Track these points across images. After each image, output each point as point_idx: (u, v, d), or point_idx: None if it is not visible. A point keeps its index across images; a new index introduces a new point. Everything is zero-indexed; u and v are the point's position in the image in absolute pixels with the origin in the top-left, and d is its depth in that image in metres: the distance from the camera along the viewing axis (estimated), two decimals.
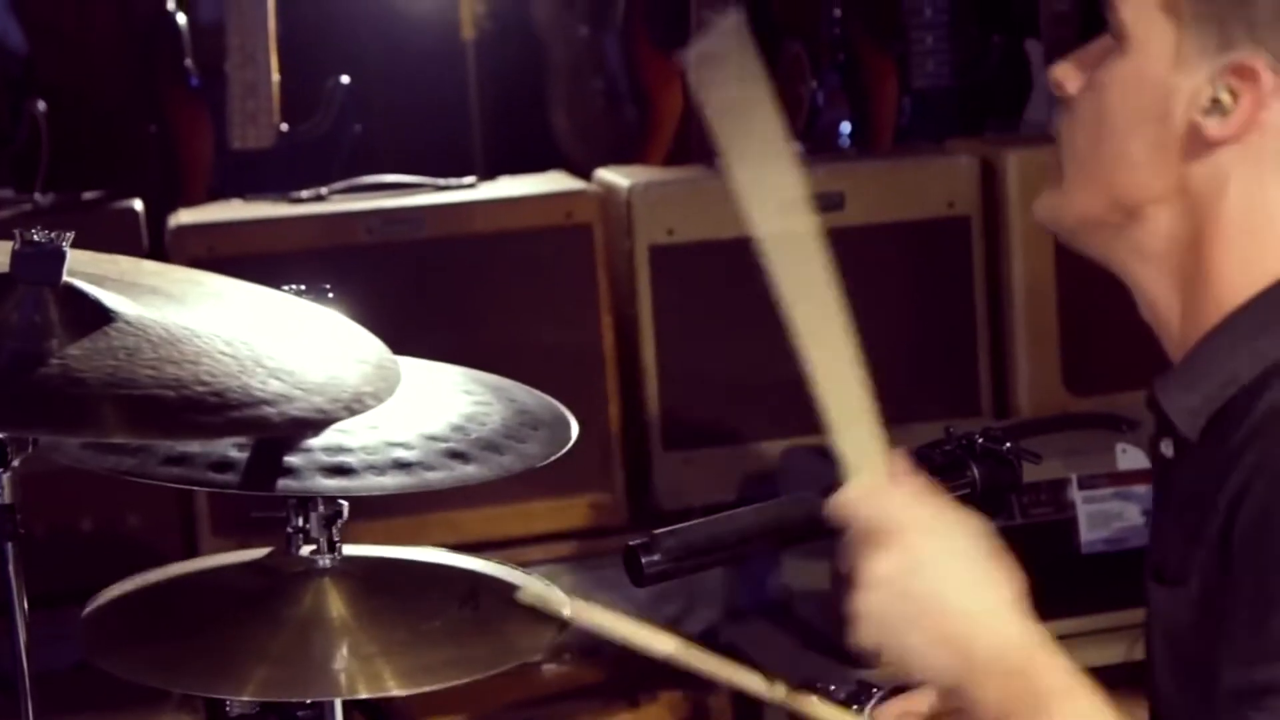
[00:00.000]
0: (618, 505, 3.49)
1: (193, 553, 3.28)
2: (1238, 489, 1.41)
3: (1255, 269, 1.48)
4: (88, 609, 2.08)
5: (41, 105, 3.86)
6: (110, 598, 2.10)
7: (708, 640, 3.44)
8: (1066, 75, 1.56)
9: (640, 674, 3.35)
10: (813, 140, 4.36)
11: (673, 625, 3.52)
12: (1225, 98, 1.46)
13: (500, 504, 3.37)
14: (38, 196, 3.55)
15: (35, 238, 1.88)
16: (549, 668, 3.39)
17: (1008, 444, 2.17)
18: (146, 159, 4.04)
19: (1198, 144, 1.48)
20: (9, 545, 1.97)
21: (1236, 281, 1.49)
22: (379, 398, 1.98)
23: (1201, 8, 1.47)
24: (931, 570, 1.42)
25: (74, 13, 4.62)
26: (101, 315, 1.87)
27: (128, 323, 1.87)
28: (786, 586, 3.48)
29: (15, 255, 1.87)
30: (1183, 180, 1.49)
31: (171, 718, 3.08)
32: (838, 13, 4.72)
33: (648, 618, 3.45)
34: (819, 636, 3.26)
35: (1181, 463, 1.54)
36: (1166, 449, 1.56)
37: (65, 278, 1.87)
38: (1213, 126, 1.47)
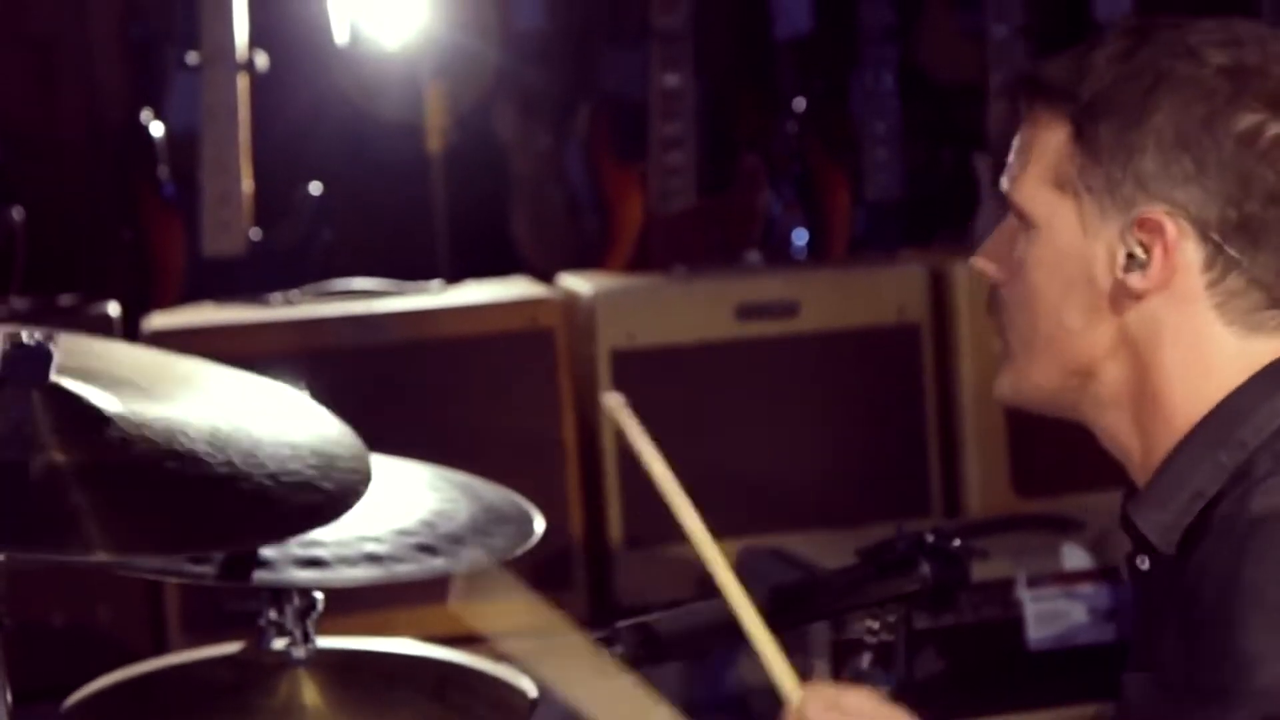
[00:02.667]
0: (579, 602, 3.57)
1: (162, 649, 3.34)
2: (1196, 576, 1.49)
3: (1201, 391, 1.55)
4: (67, 704, 2.14)
5: (19, 213, 3.94)
6: (89, 693, 2.15)
7: None
8: (986, 266, 1.63)
9: None
10: (769, 249, 4.47)
11: None
12: (1139, 251, 1.52)
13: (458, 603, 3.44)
14: (14, 300, 3.63)
15: (24, 339, 1.92)
16: None
17: (957, 542, 2.26)
18: (120, 264, 4.11)
19: (1126, 298, 1.54)
20: None
21: (1186, 405, 1.55)
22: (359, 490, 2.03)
23: (1091, 179, 1.53)
24: None
25: (44, 122, 4.72)
26: (89, 415, 1.90)
27: (114, 423, 1.89)
28: (743, 682, 3.54)
29: (4, 357, 1.90)
30: (1121, 332, 1.55)
31: None
32: (794, 127, 4.86)
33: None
34: None
35: (1160, 575, 1.59)
36: (1142, 564, 1.61)
37: (52, 378, 1.90)
38: (1135, 280, 1.53)
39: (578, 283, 3.83)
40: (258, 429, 2.02)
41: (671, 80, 4.25)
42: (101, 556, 1.87)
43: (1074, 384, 1.59)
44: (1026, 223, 1.58)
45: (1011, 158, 1.61)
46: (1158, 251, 1.51)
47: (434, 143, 4.36)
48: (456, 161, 4.46)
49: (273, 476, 1.91)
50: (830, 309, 3.76)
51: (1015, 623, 3.30)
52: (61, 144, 4.73)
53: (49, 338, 1.95)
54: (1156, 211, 1.51)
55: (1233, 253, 1.51)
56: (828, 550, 3.35)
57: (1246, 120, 1.49)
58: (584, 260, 4.27)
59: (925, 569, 2.26)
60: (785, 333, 3.77)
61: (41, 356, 1.91)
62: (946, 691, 3.30)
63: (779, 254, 4.50)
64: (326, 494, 1.98)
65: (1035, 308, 1.58)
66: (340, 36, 4.40)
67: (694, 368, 3.74)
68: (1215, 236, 1.51)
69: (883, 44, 4.69)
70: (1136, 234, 1.52)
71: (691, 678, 3.65)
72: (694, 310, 3.78)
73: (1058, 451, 3.64)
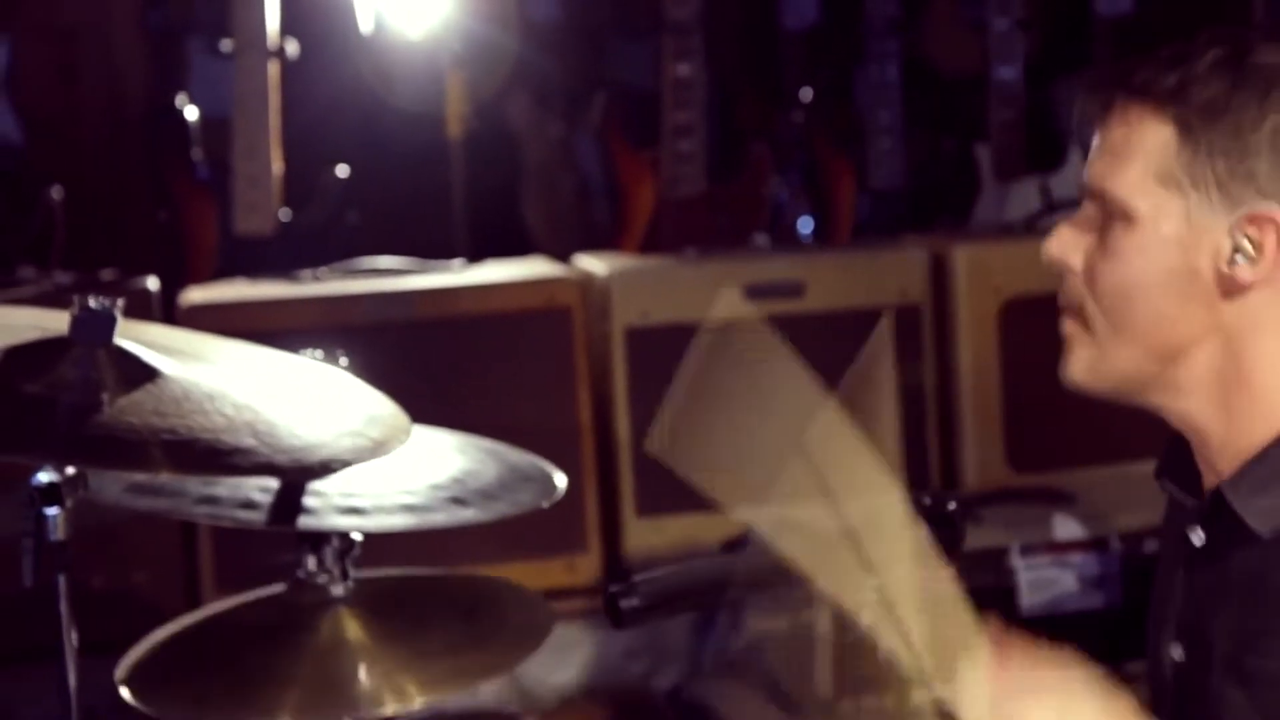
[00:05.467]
0: (592, 566, 3.69)
1: (197, 608, 3.46)
2: None
3: None
4: (125, 659, 2.26)
5: (58, 192, 4.06)
6: (145, 648, 2.29)
7: (674, 697, 3.64)
8: (1066, 252, 1.69)
9: None
10: (775, 233, 4.58)
11: (641, 681, 3.72)
12: (1247, 246, 1.60)
13: (484, 565, 3.56)
14: (57, 275, 3.75)
15: (91, 304, 2.05)
16: (528, 716, 3.57)
17: (953, 504, 2.39)
18: (154, 243, 4.23)
19: (1230, 289, 1.62)
20: (61, 579, 2.13)
21: (1274, 393, 1.62)
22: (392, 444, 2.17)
23: (1200, 174, 1.61)
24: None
25: (67, 109, 4.83)
26: (146, 371, 2.05)
27: (168, 379, 2.05)
28: (750, 642, 3.68)
29: (73, 320, 2.04)
30: (1218, 323, 1.63)
31: None
32: (800, 116, 4.97)
33: (618, 675, 3.69)
34: (782, 691, 3.44)
35: (1241, 557, 1.65)
36: (1196, 539, 1.69)
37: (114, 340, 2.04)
38: (1243, 273, 1.60)
39: (593, 263, 3.94)
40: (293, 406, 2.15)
41: (683, 70, 4.35)
42: (166, 471, 2.05)
43: (1155, 369, 1.65)
44: (1125, 214, 1.64)
45: (1103, 153, 1.66)
46: (1269, 245, 1.60)
47: (454, 129, 4.47)
48: (475, 148, 4.57)
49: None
50: (835, 290, 3.84)
51: (1008, 590, 3.44)
52: (85, 130, 4.84)
53: (113, 303, 2.08)
54: (1270, 207, 1.59)
55: None
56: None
57: None
58: (593, 245, 4.35)
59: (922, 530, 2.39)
60: (791, 312, 3.84)
61: (106, 320, 2.04)
62: None
63: (785, 238, 4.62)
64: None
65: (1131, 293, 1.64)
66: (365, 25, 4.51)
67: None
68: None
69: (887, 37, 4.79)
70: (1247, 229, 1.60)
71: (700, 639, 3.78)
72: (704, 290, 3.83)
73: (1051, 429, 3.77)
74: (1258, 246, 1.60)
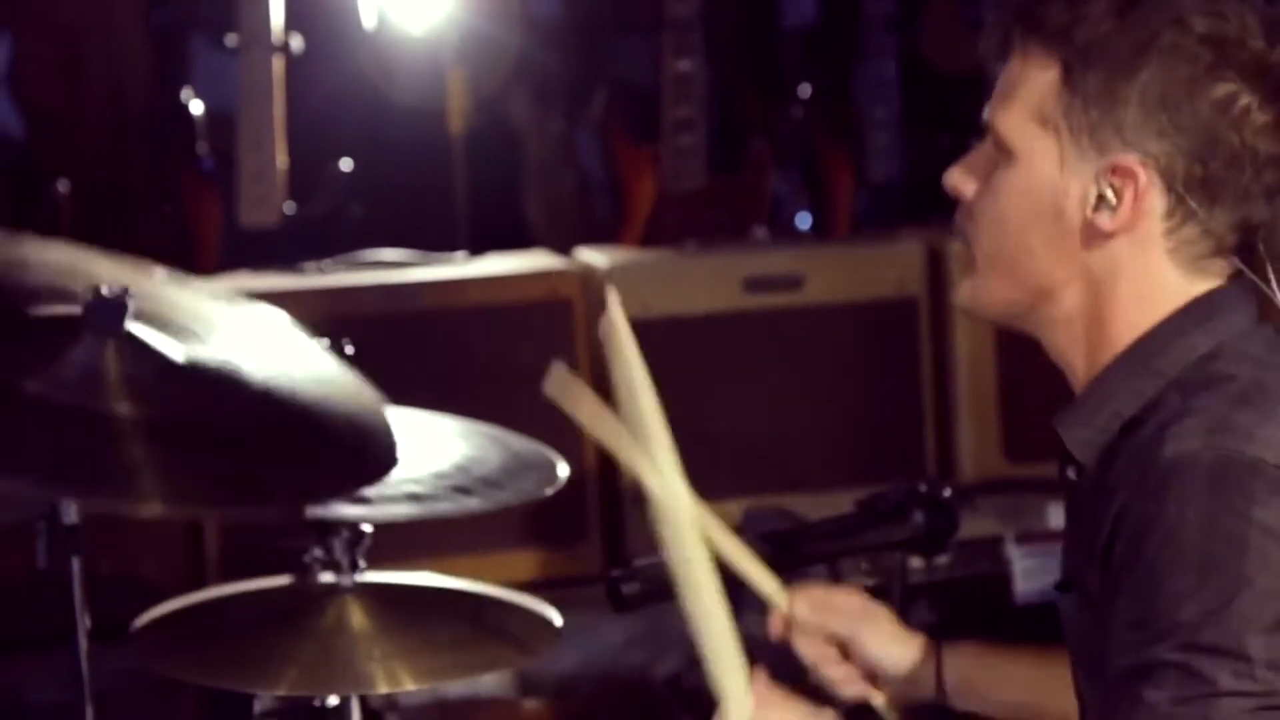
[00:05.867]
0: (593, 552, 3.74)
1: None
2: (1116, 513, 1.58)
3: (1139, 322, 1.66)
4: (139, 622, 2.32)
5: (64, 185, 4.11)
6: (155, 616, 2.34)
7: (673, 684, 3.69)
8: (961, 182, 1.70)
9: (613, 709, 3.58)
10: (775, 228, 4.63)
11: (641, 669, 3.76)
12: (1109, 194, 1.61)
13: (487, 553, 3.62)
14: None
15: (103, 290, 2.07)
16: (528, 703, 3.62)
17: (948, 492, 2.43)
18: (158, 236, 4.27)
19: (1093, 236, 1.63)
20: (75, 561, 2.18)
21: (1125, 333, 1.66)
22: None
23: (1074, 119, 1.62)
24: None
25: (71, 105, 4.86)
26: (157, 361, 2.05)
27: (179, 370, 2.05)
28: (746, 634, 3.73)
29: (86, 305, 2.05)
30: (1083, 266, 1.65)
31: None
32: (799, 112, 5.02)
33: (618, 663, 3.73)
34: (779, 678, 3.49)
35: (1081, 487, 1.71)
36: (1071, 474, 1.73)
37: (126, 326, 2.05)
38: (1104, 221, 1.62)
39: (594, 256, 3.99)
40: (305, 391, 2.19)
41: (683, 66, 4.39)
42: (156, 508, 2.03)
43: (1028, 302, 1.69)
44: (1006, 152, 1.66)
45: (999, 88, 1.68)
46: (1128, 196, 1.61)
47: (455, 125, 4.51)
48: (476, 143, 4.61)
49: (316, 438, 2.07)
50: (833, 283, 3.91)
51: (1003, 578, 3.46)
52: (88, 126, 4.87)
53: (126, 290, 2.12)
54: (1131, 159, 1.60)
55: (1192, 205, 1.61)
56: (827, 510, 3.44)
57: (1223, 89, 1.59)
58: (593, 241, 4.36)
59: (918, 517, 2.40)
60: (790, 305, 3.91)
61: (118, 306, 2.07)
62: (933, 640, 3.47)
63: (784, 232, 4.67)
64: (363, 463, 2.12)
65: (1004, 229, 1.66)
66: (368, 21, 4.55)
67: (704, 337, 3.88)
68: (1179, 188, 1.60)
69: (885, 34, 4.84)
70: (1110, 178, 1.61)
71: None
72: (704, 283, 3.92)
73: (1047, 419, 3.81)
74: (1119, 196, 1.62)
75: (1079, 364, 1.70)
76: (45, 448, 1.91)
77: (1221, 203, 1.63)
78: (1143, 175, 1.62)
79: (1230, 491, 1.53)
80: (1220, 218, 1.63)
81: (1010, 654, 2.09)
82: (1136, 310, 1.67)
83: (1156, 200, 1.62)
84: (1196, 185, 1.62)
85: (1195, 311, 1.65)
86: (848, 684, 1.99)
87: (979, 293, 1.72)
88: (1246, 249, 1.68)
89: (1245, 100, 1.60)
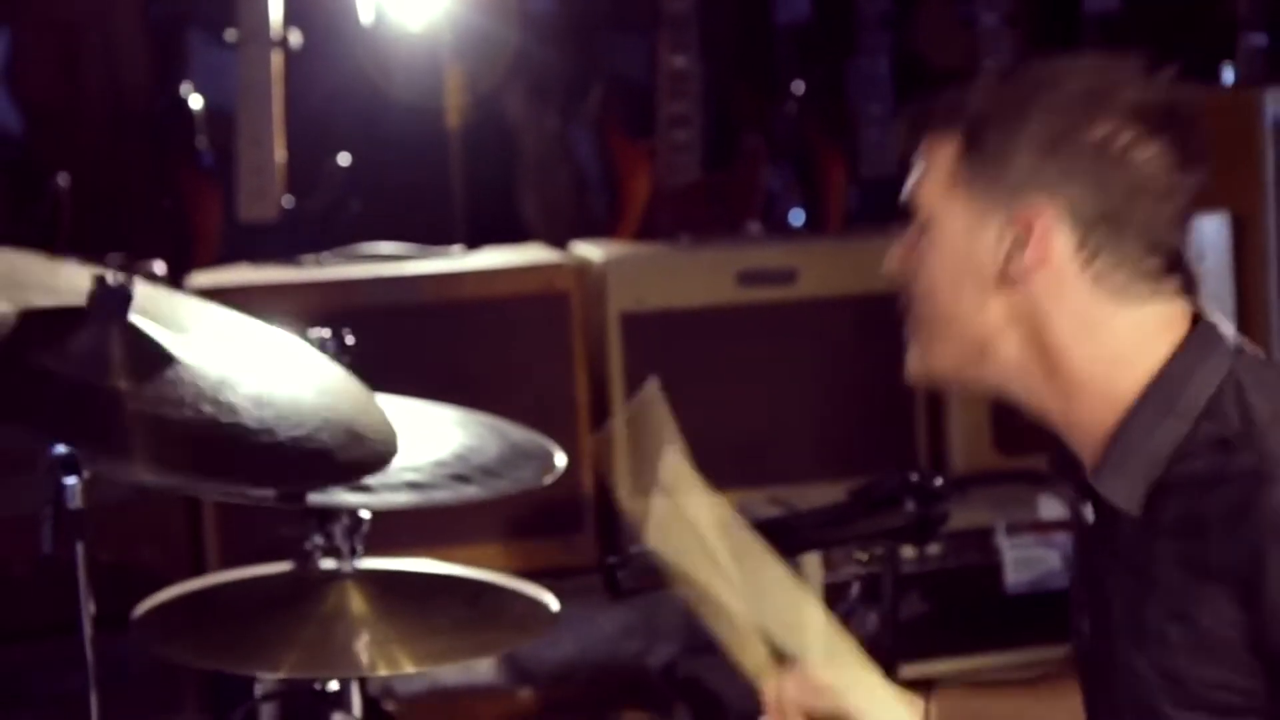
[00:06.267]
0: (589, 545, 3.77)
1: None
2: (1192, 554, 1.67)
3: (1114, 364, 1.74)
4: (142, 607, 2.36)
5: (64, 179, 4.13)
6: (157, 602, 2.38)
7: (668, 673, 3.73)
8: (896, 264, 1.85)
9: (607, 696, 3.62)
10: (769, 222, 4.66)
11: (636, 658, 3.80)
12: (1017, 243, 1.72)
13: (484, 544, 3.65)
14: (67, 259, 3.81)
15: (109, 280, 2.11)
16: (524, 692, 3.66)
17: (939, 480, 2.47)
18: (159, 230, 4.29)
19: (1010, 281, 1.74)
20: (79, 546, 2.19)
21: (1096, 371, 1.74)
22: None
23: (977, 179, 1.75)
24: None
25: (69, 101, 4.88)
26: (157, 353, 2.09)
27: (177, 364, 2.10)
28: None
29: (91, 295, 2.10)
30: (1010, 312, 1.74)
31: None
32: (793, 108, 5.05)
33: (614, 653, 3.76)
34: None
35: (1123, 532, 1.76)
36: (1089, 516, 1.80)
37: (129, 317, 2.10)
38: (1016, 265, 1.73)
39: (590, 250, 4.02)
40: (297, 392, 2.21)
41: (679, 62, 4.42)
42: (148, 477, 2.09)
43: (974, 359, 1.79)
44: (926, 222, 1.79)
45: (914, 171, 1.81)
46: (1033, 239, 1.72)
47: (452, 120, 4.54)
48: (473, 139, 4.63)
49: (302, 438, 2.08)
50: (826, 277, 3.93)
51: (994, 568, 3.50)
52: (86, 122, 4.89)
53: (130, 280, 2.16)
54: (1031, 206, 1.73)
55: (1099, 239, 1.72)
56: (820, 501, 3.55)
57: (1100, 130, 1.71)
58: (588, 237, 4.38)
59: (909, 505, 2.44)
60: (784, 298, 3.93)
61: (122, 296, 2.11)
62: (929, 631, 3.51)
63: (778, 227, 4.70)
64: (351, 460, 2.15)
65: (933, 292, 1.79)
66: (366, 17, 4.58)
67: (698, 330, 3.91)
68: (1083, 225, 1.72)
69: (878, 30, 4.87)
70: (1014, 226, 1.73)
71: (694, 619, 3.86)
72: (698, 276, 3.94)
73: None
74: (1025, 240, 1.73)
75: (1055, 409, 1.79)
76: (55, 405, 1.98)
77: (1127, 234, 1.73)
78: (1044, 217, 1.73)
79: None
80: (1130, 247, 1.73)
81: (996, 694, 2.13)
82: (1080, 342, 1.75)
83: (1064, 238, 1.73)
84: (1099, 220, 1.73)
85: (1194, 348, 1.75)
86: None
87: (926, 358, 1.83)
88: (1178, 269, 1.76)
89: (1125, 138, 1.72)
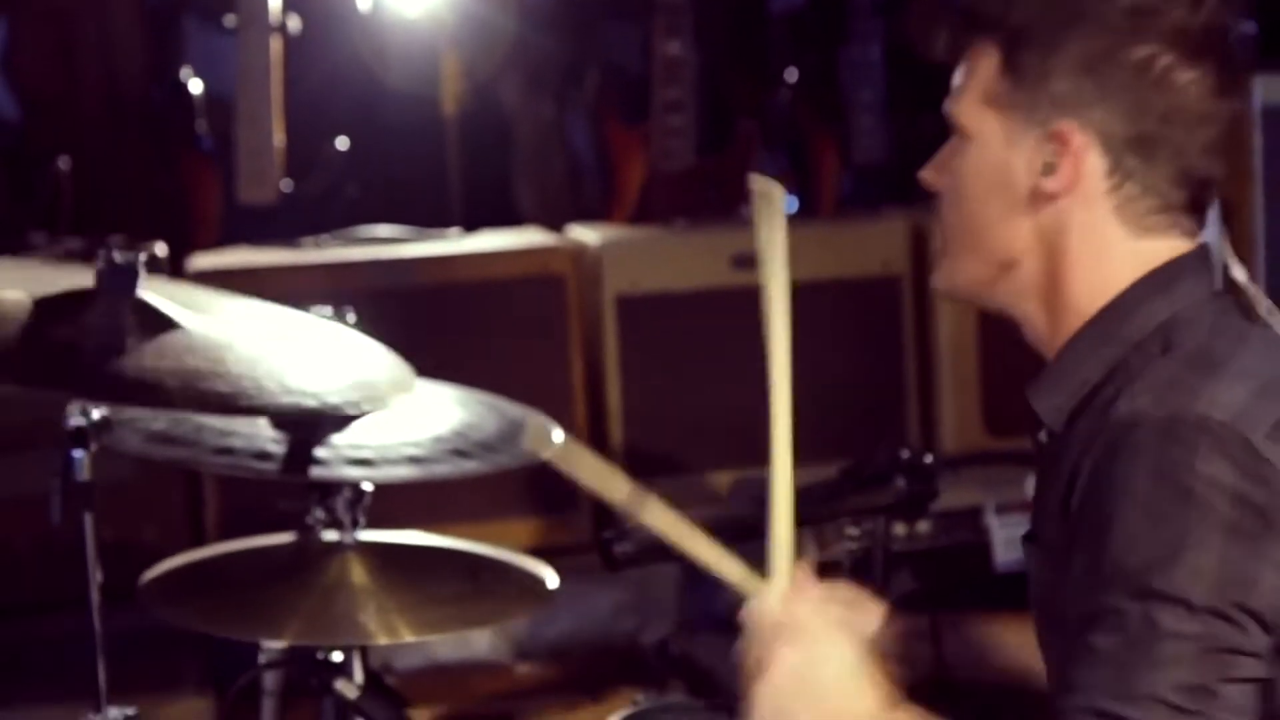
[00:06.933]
0: (583, 523, 3.81)
1: None
2: (1072, 469, 1.67)
3: (1095, 284, 1.76)
4: (147, 577, 2.39)
5: (65, 162, 4.17)
6: (163, 570, 2.41)
7: (661, 650, 3.76)
8: (930, 174, 1.83)
9: (603, 673, 3.66)
10: None
11: (630, 635, 3.85)
12: (1051, 159, 1.73)
13: (480, 521, 3.68)
14: (67, 240, 3.86)
15: (117, 258, 2.15)
16: (521, 667, 3.70)
17: (929, 458, 2.51)
18: (159, 213, 4.33)
19: (1041, 200, 1.74)
20: (87, 517, 2.26)
21: (1082, 295, 1.76)
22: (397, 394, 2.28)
23: (1015, 96, 1.74)
24: (822, 667, 1.69)
25: (66, 88, 4.92)
26: (166, 322, 2.15)
27: (186, 330, 2.16)
28: (733, 601, 3.81)
29: (99, 272, 2.15)
30: (1037, 230, 1.75)
31: (189, 702, 3.38)
32: (786, 95, 5.09)
33: (608, 630, 3.81)
34: None
35: (1050, 450, 1.79)
36: (1043, 437, 1.82)
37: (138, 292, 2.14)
38: (1049, 184, 1.73)
39: (586, 233, 4.06)
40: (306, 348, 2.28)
41: (673, 48, 4.45)
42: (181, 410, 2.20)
43: (997, 275, 1.79)
44: (963, 136, 1.78)
45: (954, 83, 1.80)
46: (1067, 159, 1.72)
47: (449, 106, 4.58)
48: (469, 126, 4.67)
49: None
50: (819, 261, 3.98)
51: (984, 547, 3.54)
52: (83, 109, 4.92)
53: (138, 258, 2.20)
54: (1066, 125, 1.72)
55: (1130, 163, 1.72)
56: (812, 482, 3.60)
57: (1141, 52, 1.70)
58: (582, 222, 4.45)
59: (900, 482, 2.49)
60: None
61: (131, 273, 2.15)
62: (919, 608, 3.55)
63: None
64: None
65: (964, 207, 1.78)
66: (364, 3, 4.61)
67: (692, 312, 3.94)
68: (1116, 148, 1.72)
69: (870, 17, 4.91)
70: (1050, 144, 1.73)
71: (686, 598, 3.91)
72: (692, 260, 3.98)
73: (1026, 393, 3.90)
74: (1059, 159, 1.73)
75: (1043, 330, 1.79)
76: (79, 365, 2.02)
77: (1158, 159, 1.72)
78: (1078, 138, 1.72)
79: (1177, 446, 1.60)
80: (1159, 173, 1.73)
81: (1006, 621, 2.19)
82: (1089, 270, 1.76)
83: (1095, 161, 1.73)
84: (1132, 144, 1.72)
85: (1155, 279, 1.75)
86: None
87: (952, 273, 1.83)
88: (1200, 209, 1.77)
89: (1165, 60, 1.71)
